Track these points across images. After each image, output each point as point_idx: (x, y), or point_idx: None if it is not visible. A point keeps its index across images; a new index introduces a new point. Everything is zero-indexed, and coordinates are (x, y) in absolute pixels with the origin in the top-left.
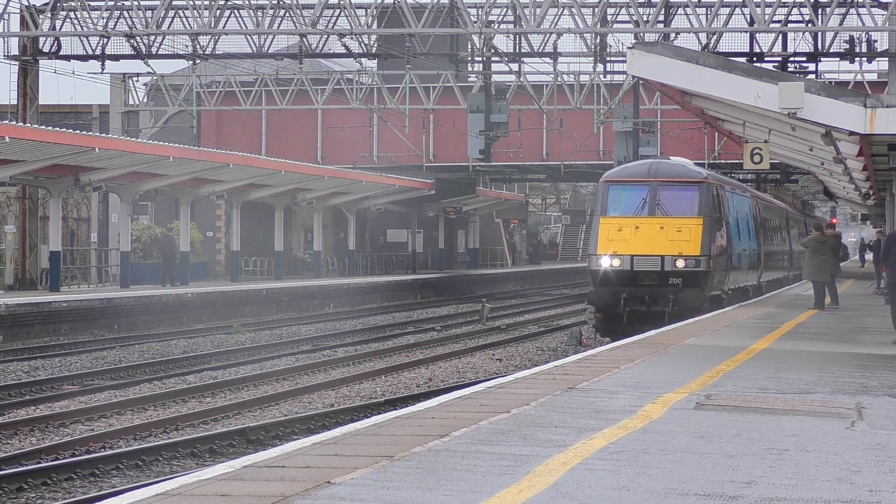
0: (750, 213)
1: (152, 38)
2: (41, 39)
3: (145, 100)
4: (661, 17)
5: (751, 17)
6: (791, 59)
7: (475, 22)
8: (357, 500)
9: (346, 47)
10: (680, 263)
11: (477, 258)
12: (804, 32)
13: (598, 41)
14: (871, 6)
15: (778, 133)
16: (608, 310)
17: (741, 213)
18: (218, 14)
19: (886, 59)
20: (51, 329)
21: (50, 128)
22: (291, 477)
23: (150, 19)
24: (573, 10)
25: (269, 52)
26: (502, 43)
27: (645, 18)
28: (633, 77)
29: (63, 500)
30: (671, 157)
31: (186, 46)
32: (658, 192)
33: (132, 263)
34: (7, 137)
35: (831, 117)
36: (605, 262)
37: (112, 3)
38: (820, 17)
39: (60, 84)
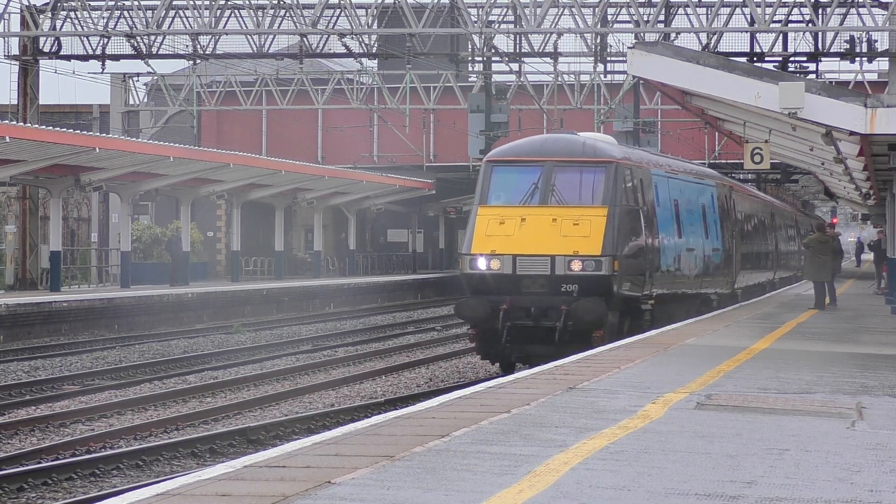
0: (712, 204)
1: (152, 38)
2: (41, 39)
3: (145, 100)
4: (662, 17)
5: (751, 17)
6: (791, 59)
7: (475, 22)
8: (357, 500)
9: (347, 47)
10: (575, 266)
11: None
12: (804, 32)
13: (598, 41)
14: (872, 6)
15: (778, 133)
16: (484, 324)
17: (689, 204)
18: (218, 14)
19: (886, 59)
20: (51, 329)
21: (50, 128)
22: (292, 477)
23: (150, 19)
24: (573, 10)
25: (270, 52)
26: (502, 43)
27: (645, 18)
28: (634, 77)
29: (63, 500)
30: (580, 133)
31: (187, 46)
32: (554, 174)
33: (132, 263)
34: (7, 137)
35: (831, 117)
36: (482, 265)
37: (112, 3)
38: (820, 17)
39: (61, 84)
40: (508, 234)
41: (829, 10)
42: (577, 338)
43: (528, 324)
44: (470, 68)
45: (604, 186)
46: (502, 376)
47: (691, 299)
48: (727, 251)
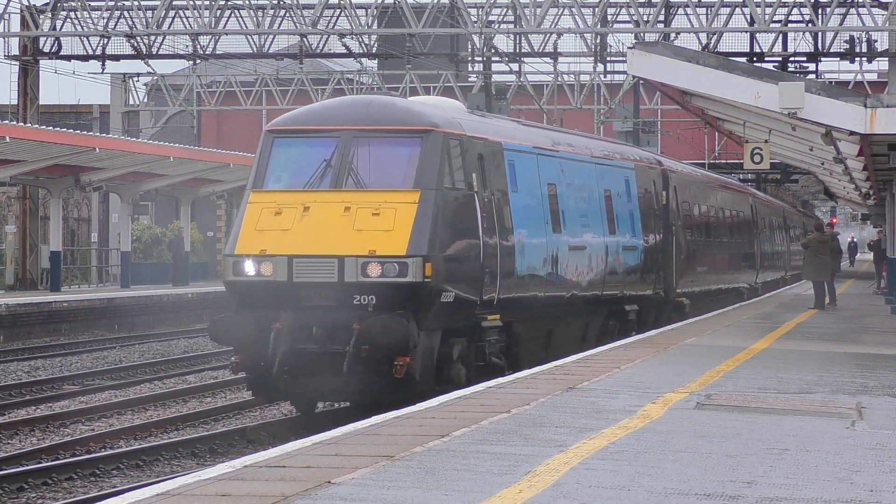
0: (626, 192)
1: (152, 38)
2: (41, 39)
3: (145, 100)
4: (662, 17)
5: (751, 17)
6: (791, 59)
7: (475, 22)
8: (357, 500)
9: (347, 47)
10: (372, 270)
11: None
12: (804, 32)
13: (598, 41)
14: (871, 6)
15: (778, 133)
16: (250, 350)
17: (579, 190)
18: (218, 14)
19: (886, 59)
20: (51, 329)
21: (50, 128)
22: (292, 477)
23: (150, 19)
24: (573, 10)
25: (270, 52)
26: (502, 43)
27: (645, 18)
28: (634, 77)
29: (63, 500)
30: (396, 98)
31: (187, 46)
32: (352, 148)
33: (132, 263)
34: (7, 137)
35: (831, 117)
36: (249, 269)
37: (112, 3)
38: (820, 17)
39: (61, 84)
40: (285, 229)
41: (828, 10)
42: (372, 367)
43: (311, 349)
44: (470, 68)
45: (418, 164)
46: (503, 376)
47: (585, 313)
48: (654, 250)
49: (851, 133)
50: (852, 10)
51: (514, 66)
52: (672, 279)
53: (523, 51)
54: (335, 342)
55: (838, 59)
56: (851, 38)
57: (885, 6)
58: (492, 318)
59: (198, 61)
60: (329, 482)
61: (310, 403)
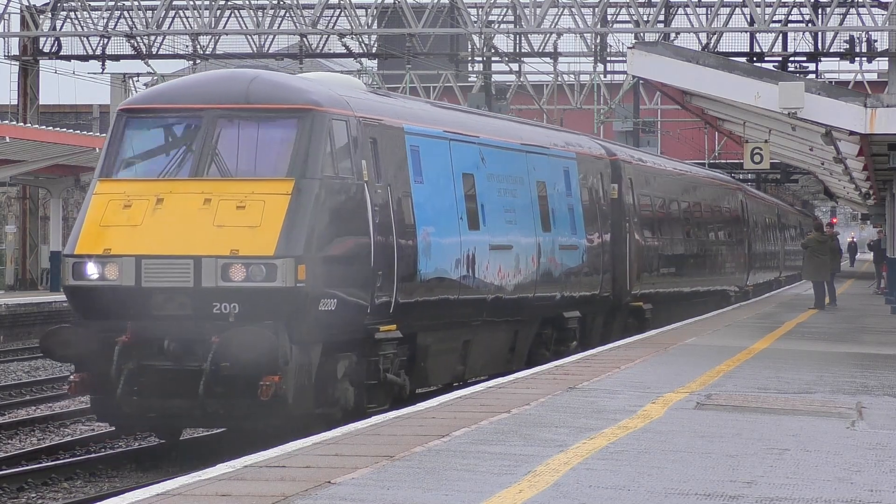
0: (566, 184)
1: (152, 38)
2: (41, 39)
3: None
4: (662, 17)
5: (751, 17)
6: (791, 59)
7: (475, 22)
8: (357, 500)
9: (347, 47)
10: (235, 273)
11: None
12: (804, 32)
13: (598, 41)
14: (871, 6)
15: (778, 133)
16: (92, 367)
17: (505, 181)
18: (218, 14)
19: (886, 59)
20: None
21: (50, 128)
22: (292, 477)
23: (150, 19)
24: (573, 10)
25: (270, 52)
26: (502, 43)
27: (645, 18)
28: (633, 77)
29: (63, 500)
30: (273, 72)
31: (187, 46)
32: (218, 130)
33: None
34: (7, 137)
35: (831, 117)
36: (92, 272)
37: (112, 3)
38: (820, 17)
39: (61, 84)
40: (134, 224)
41: (828, 10)
42: (234, 388)
43: (163, 365)
44: (470, 68)
45: (294, 148)
46: (503, 376)
47: (513, 321)
48: (602, 250)
49: (851, 133)
50: (852, 10)
51: (514, 66)
52: (625, 282)
53: (523, 51)
54: (191, 358)
55: (838, 59)
56: (851, 38)
57: (885, 6)
58: (386, 328)
59: (198, 61)
60: (329, 482)
61: (173, 430)
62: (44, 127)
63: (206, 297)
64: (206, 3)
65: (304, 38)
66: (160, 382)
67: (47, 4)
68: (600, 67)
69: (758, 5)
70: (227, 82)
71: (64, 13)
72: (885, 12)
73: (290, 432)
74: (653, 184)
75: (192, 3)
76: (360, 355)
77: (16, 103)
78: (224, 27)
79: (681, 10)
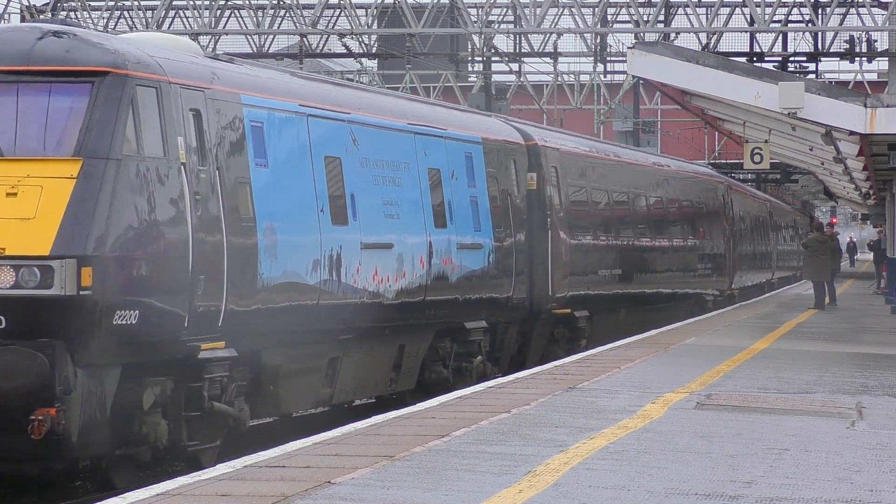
0: (467, 173)
1: None
2: None
3: None
4: (662, 17)
5: (751, 17)
6: (791, 59)
7: (475, 22)
8: (357, 500)
9: (347, 47)
10: (2, 278)
11: None
12: (804, 32)
13: (598, 41)
14: (871, 6)
15: (778, 133)
16: None
17: (384, 167)
18: (218, 14)
19: (886, 59)
20: None
21: None
22: (292, 477)
23: (150, 19)
24: (573, 10)
25: (270, 52)
26: (502, 43)
27: (645, 18)
28: (634, 77)
29: (63, 500)
30: (67, 27)
31: None
32: None
33: None
34: None
35: (831, 117)
36: None
37: (112, 3)
38: (820, 17)
39: None
40: None
41: (828, 10)
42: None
43: None
44: (470, 68)
45: (84, 120)
46: (503, 376)
47: (396, 333)
48: (514, 250)
49: (851, 133)
50: (852, 10)
51: (514, 66)
52: (546, 285)
53: (523, 51)
54: None
55: (838, 59)
56: (851, 38)
57: (885, 6)
58: (212, 345)
59: None
60: (329, 482)
61: None
62: None
63: None
64: (206, 3)
65: (304, 38)
66: None
67: (47, 4)
68: (600, 67)
69: (758, 5)
70: (9, 41)
71: (64, 13)
72: (885, 12)
73: (86, 475)
74: (591, 175)
75: (192, 3)
76: (178, 381)
77: None
78: (224, 27)
79: (681, 11)
